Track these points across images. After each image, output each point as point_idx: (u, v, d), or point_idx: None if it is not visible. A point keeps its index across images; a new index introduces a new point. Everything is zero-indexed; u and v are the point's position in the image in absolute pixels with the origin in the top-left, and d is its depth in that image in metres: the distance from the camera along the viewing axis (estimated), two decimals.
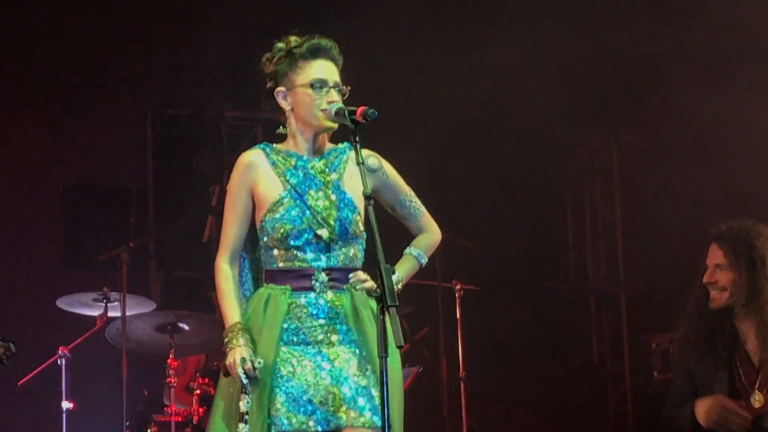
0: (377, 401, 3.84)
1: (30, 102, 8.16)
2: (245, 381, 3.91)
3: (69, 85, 8.16)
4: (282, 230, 3.99)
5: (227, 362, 3.91)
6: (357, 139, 3.83)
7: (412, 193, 4.15)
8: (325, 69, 3.99)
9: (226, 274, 4.03)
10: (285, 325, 3.98)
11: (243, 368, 3.84)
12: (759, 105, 7.22)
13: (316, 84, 3.95)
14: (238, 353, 3.87)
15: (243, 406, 3.89)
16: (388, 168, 4.12)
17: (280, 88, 4.02)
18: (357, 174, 3.84)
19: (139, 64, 8.38)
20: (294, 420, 3.89)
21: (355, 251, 4.01)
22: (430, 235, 4.12)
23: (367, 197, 3.74)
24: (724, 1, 6.95)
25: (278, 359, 3.95)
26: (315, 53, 3.98)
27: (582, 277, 9.12)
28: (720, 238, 4.62)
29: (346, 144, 4.09)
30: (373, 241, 3.68)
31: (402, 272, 4.01)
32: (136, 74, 8.37)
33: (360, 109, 3.79)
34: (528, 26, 7.57)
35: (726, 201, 7.17)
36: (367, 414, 3.86)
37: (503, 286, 8.16)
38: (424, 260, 4.11)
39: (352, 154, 3.95)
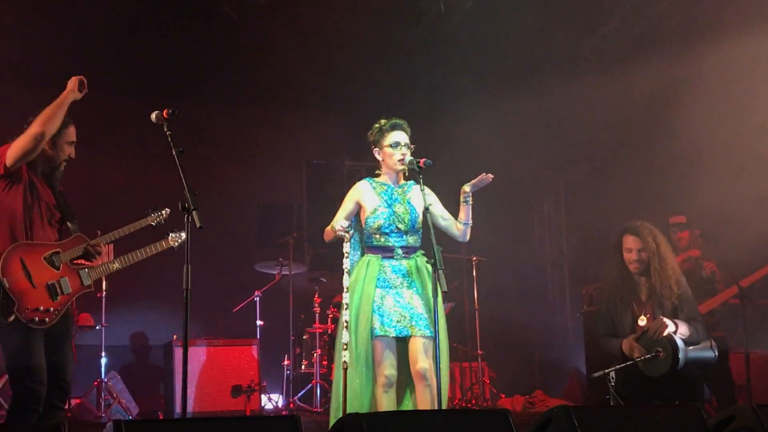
0: (429, 321, 4.58)
1: (235, 161, 9.68)
2: (342, 233, 4.46)
3: (274, 161, 9.86)
4: (378, 223, 4.69)
5: (331, 226, 4.52)
6: (421, 175, 4.56)
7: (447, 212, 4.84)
8: (399, 136, 4.73)
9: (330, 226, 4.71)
10: (378, 277, 4.63)
11: (340, 225, 4.51)
12: None
13: (393, 144, 4.72)
14: (337, 221, 4.59)
15: (345, 315, 4.41)
16: (435, 197, 4.87)
17: (375, 149, 4.80)
18: (419, 196, 4.61)
19: (300, 138, 10.10)
20: (383, 329, 4.56)
21: (417, 238, 4.77)
22: (458, 227, 4.77)
23: (425, 209, 4.47)
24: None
25: (375, 296, 4.60)
26: (393, 127, 4.75)
27: (542, 253, 10.68)
28: (635, 231, 5.39)
29: (412, 181, 4.82)
30: (429, 233, 4.39)
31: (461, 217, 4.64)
32: (297, 143, 10.07)
33: (422, 160, 4.53)
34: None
35: (633, 208, 7.65)
36: (424, 328, 4.59)
37: (498, 259, 8.94)
38: (464, 225, 4.71)
39: (416, 186, 4.72)
